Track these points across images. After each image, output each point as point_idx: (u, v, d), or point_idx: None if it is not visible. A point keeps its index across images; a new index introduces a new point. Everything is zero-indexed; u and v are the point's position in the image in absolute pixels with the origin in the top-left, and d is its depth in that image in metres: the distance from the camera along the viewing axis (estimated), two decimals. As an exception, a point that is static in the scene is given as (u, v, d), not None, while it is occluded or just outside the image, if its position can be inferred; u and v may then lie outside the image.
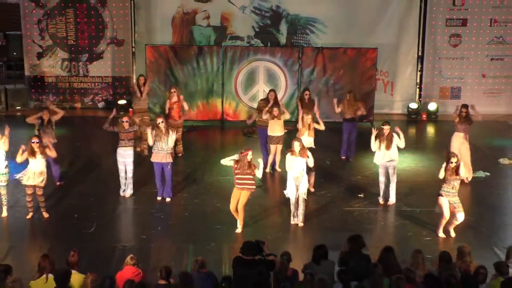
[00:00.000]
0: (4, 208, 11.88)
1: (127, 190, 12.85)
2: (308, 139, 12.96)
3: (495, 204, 12.73)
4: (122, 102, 18.89)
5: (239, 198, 11.30)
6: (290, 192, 11.57)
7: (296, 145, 11.39)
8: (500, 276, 8.34)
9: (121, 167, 12.72)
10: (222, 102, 18.24)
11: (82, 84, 19.87)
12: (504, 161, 15.42)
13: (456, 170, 10.99)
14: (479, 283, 8.17)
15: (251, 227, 11.53)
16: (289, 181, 11.58)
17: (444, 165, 11.06)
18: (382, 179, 12.67)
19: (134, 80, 17.43)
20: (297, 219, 11.65)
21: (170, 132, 12.49)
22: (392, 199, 12.69)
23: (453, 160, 11.00)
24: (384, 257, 8.81)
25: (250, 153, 11.16)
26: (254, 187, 11.38)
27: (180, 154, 15.28)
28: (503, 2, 19.51)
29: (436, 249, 10.05)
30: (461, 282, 8.02)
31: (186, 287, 7.63)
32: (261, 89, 18.25)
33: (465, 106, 14.15)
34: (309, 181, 12.98)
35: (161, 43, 18.76)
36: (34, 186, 11.50)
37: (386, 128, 12.43)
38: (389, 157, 12.46)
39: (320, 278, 7.78)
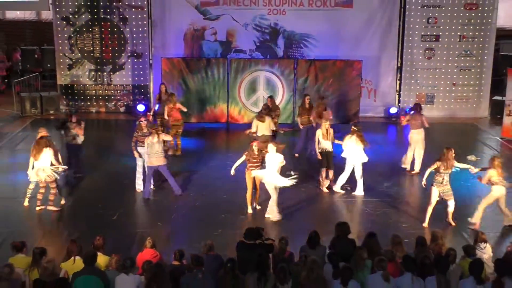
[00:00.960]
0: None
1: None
2: (326, 143, 12.82)
3: (464, 195, 12.70)
4: (141, 108, 18.90)
5: (253, 182, 11.57)
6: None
7: (270, 147, 11.50)
8: (468, 257, 8.36)
9: (139, 163, 12.68)
10: (228, 107, 18.22)
11: (106, 91, 19.85)
12: (471, 158, 15.39)
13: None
14: (450, 263, 8.19)
15: (252, 216, 11.53)
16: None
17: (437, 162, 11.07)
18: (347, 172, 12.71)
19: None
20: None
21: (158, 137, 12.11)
22: (360, 192, 12.69)
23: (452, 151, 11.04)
24: (368, 242, 8.83)
25: (255, 143, 11.63)
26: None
27: (178, 153, 15.20)
28: (470, 20, 19.49)
29: (413, 234, 10.05)
30: (434, 263, 8.04)
31: (197, 267, 7.64)
32: (261, 96, 18.25)
33: (418, 104, 14.68)
34: (327, 177, 12.93)
35: (175, 56, 18.76)
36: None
37: (353, 129, 12.56)
38: (356, 155, 12.47)
39: (313, 259, 7.78)
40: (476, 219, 11.06)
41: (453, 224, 11.19)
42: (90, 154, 14.56)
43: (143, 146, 12.41)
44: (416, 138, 14.05)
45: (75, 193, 12.64)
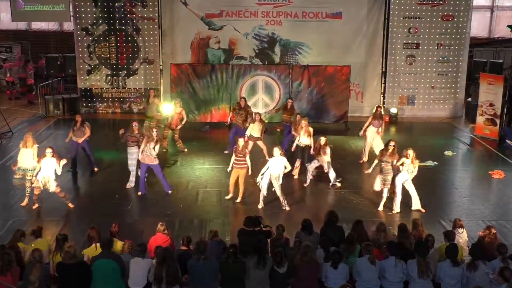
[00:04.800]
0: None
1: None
2: (305, 139, 12.79)
3: (441, 186, 12.71)
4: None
5: (237, 176, 11.58)
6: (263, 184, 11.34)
7: (276, 150, 11.24)
8: (448, 241, 8.34)
9: (132, 161, 12.30)
10: (230, 108, 18.15)
11: (121, 94, 19.81)
12: (448, 153, 15.42)
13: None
14: (429, 248, 8.17)
15: (251, 206, 11.49)
16: (265, 176, 11.33)
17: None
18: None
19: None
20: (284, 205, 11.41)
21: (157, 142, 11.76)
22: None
23: (391, 144, 11.11)
24: (355, 228, 8.82)
25: (241, 139, 11.75)
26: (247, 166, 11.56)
27: (185, 150, 15.11)
28: (447, 30, 19.47)
29: (396, 221, 10.03)
30: (415, 247, 8.02)
31: (202, 252, 7.60)
32: (260, 98, 18.22)
33: (379, 106, 14.99)
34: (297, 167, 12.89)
35: (183, 62, 18.70)
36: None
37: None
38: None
39: (306, 244, 7.77)
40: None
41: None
42: (107, 150, 14.49)
43: (132, 146, 12.10)
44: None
45: (93, 185, 12.61)
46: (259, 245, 7.73)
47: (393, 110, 19.47)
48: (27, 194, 11.33)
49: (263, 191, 11.37)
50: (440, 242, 8.67)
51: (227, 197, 11.76)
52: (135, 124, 12.28)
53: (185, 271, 7.68)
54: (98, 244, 7.97)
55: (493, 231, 8.76)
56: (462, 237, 8.89)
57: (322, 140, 12.30)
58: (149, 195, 12.15)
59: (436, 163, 14.19)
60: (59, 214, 11.13)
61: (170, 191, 12.18)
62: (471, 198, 12.32)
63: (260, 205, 11.43)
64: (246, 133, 13.82)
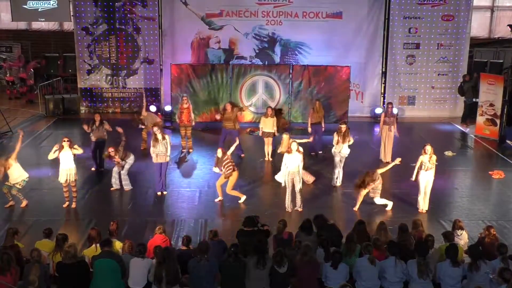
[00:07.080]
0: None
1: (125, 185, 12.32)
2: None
3: (441, 187, 12.69)
4: (153, 108, 18.80)
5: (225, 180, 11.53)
6: (282, 180, 11.28)
7: (294, 145, 11.16)
8: (447, 242, 8.33)
9: (115, 169, 12.29)
10: (229, 108, 18.17)
11: (121, 94, 19.82)
12: (448, 153, 15.41)
13: None
14: (429, 248, 8.17)
15: (252, 206, 11.48)
16: (282, 174, 11.30)
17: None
18: (337, 166, 12.62)
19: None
20: (296, 206, 11.30)
21: (166, 138, 11.95)
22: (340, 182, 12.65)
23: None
24: (357, 228, 8.81)
25: (219, 150, 11.49)
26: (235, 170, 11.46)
27: (190, 150, 15.20)
28: (447, 30, 19.47)
29: (396, 221, 10.01)
30: (415, 247, 8.02)
31: (205, 253, 7.59)
32: (261, 98, 18.22)
33: (390, 103, 14.98)
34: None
35: (183, 62, 18.70)
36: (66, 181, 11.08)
37: (343, 127, 12.43)
38: (343, 150, 12.43)
39: (306, 244, 7.77)
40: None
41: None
42: (107, 150, 14.46)
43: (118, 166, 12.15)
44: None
45: (95, 185, 12.61)
46: (259, 245, 7.72)
47: (393, 110, 19.42)
48: (21, 199, 11.30)
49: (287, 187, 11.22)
50: (440, 242, 8.67)
51: (216, 200, 11.70)
52: (111, 149, 12.03)
53: (185, 271, 7.67)
54: (98, 245, 7.97)
55: (492, 231, 8.75)
56: (462, 238, 8.89)
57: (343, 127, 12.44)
58: (149, 195, 12.15)
59: (436, 163, 14.14)
60: (59, 214, 11.13)
61: (165, 193, 12.13)
62: (471, 198, 12.32)
63: (290, 209, 11.28)
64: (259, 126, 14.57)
